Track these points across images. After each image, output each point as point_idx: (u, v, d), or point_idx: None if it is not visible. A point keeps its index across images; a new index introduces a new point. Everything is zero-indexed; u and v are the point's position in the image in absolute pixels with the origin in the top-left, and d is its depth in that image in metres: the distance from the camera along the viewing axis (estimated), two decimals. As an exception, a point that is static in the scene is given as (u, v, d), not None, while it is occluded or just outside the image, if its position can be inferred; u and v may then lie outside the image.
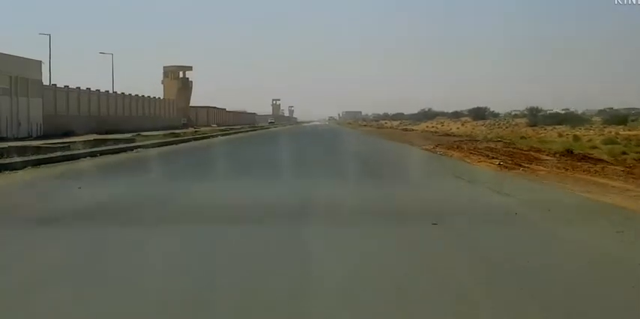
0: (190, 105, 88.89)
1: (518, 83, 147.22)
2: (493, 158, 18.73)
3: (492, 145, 26.39)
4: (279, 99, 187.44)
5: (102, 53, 64.10)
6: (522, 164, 16.30)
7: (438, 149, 24.00)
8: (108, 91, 57.37)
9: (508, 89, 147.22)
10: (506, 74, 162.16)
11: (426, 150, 23.98)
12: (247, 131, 58.09)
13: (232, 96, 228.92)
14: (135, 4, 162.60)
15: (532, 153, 20.85)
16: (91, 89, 53.84)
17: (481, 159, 18.56)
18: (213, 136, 39.29)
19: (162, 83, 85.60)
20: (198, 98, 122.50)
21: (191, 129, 54.92)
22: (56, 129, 44.30)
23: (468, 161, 17.86)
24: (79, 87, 51.57)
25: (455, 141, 29.67)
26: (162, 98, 75.33)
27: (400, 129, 65.02)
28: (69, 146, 20.19)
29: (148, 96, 67.77)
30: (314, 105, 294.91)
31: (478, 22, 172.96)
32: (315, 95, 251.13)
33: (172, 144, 27.47)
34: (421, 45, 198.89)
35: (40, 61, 44.90)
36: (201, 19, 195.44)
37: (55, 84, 48.23)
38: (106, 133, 42.09)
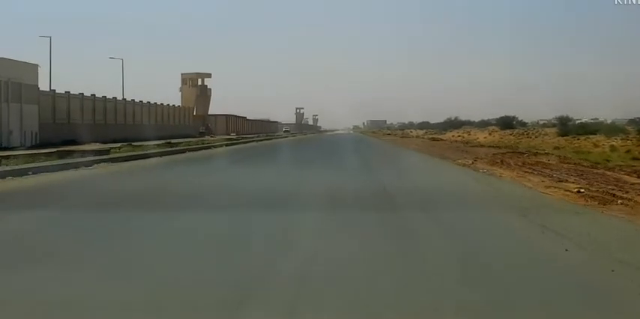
0: (210, 113, 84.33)
1: (544, 92, 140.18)
2: (560, 180, 13.43)
3: (544, 159, 21.02)
4: (302, 108, 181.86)
5: (112, 58, 59.32)
6: (613, 192, 10.98)
7: (479, 165, 18.71)
8: (116, 98, 52.77)
9: (534, 98, 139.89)
10: (532, 83, 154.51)
11: (465, 166, 18.68)
12: (260, 141, 52.54)
13: (256, 104, 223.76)
14: (155, 11, 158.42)
15: (607, 173, 15.45)
16: (97, 95, 49.27)
17: (545, 181, 13.26)
18: (215, 146, 34.16)
19: (180, 90, 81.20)
20: (220, 106, 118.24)
21: (196, 139, 50.03)
22: (55, 138, 39.79)
23: (529, 185, 12.56)
24: (83, 94, 47.01)
25: (495, 154, 24.29)
26: (177, 105, 70.75)
27: (427, 139, 59.53)
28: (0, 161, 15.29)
29: (161, 104, 63.10)
30: (338, 114, 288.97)
31: (502, 32, 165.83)
32: (340, 104, 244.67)
33: (156, 156, 22.47)
34: (447, 54, 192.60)
35: (37, 65, 40.36)
36: (226, 25, 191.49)
37: (55, 90, 43.71)
38: (113, 142, 37.60)
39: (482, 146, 36.28)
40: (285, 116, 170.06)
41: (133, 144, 29.66)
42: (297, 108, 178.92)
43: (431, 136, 68.27)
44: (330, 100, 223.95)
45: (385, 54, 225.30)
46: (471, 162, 20.04)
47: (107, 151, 21.55)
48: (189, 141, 37.22)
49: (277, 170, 18.22)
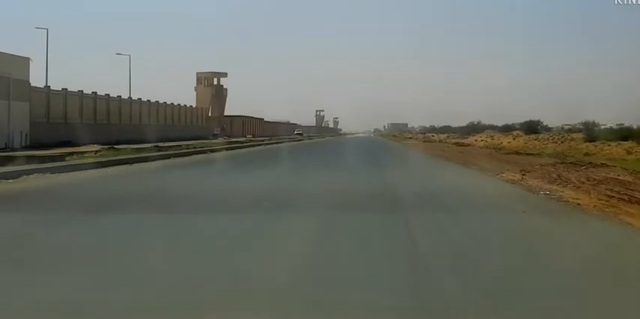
0: (226, 114, 79.97)
1: (567, 96, 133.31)
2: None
3: (611, 174, 15.98)
4: (322, 110, 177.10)
5: (119, 54, 54.90)
6: None
7: (531, 181, 13.76)
8: (120, 97, 48.41)
9: (557, 103, 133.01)
10: (556, 87, 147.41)
11: (514, 183, 13.71)
12: (267, 144, 47.15)
13: (278, 106, 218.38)
14: (172, 10, 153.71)
15: None
16: (98, 93, 44.98)
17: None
18: (212, 151, 29.34)
19: (195, 90, 76.97)
20: (241, 108, 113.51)
21: (200, 141, 45.39)
22: (49, 138, 35.59)
23: (642, 226, 7.61)
24: (82, 91, 42.72)
25: (543, 165, 19.26)
26: (189, 106, 66.33)
27: (451, 144, 54.41)
28: None
29: (172, 104, 58.70)
30: (359, 117, 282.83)
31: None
32: (361, 106, 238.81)
33: (126, 163, 17.77)
34: (468, 57, 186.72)
35: (28, 58, 36.12)
36: (249, 27, 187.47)
37: (49, 86, 39.43)
38: (116, 143, 33.34)
39: (518, 153, 31.15)
40: (305, 119, 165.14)
41: (115, 147, 25.05)
42: (317, 111, 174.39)
43: (454, 141, 63.28)
44: (351, 103, 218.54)
45: (409, 58, 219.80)
46: (519, 176, 15.08)
47: (62, 157, 16.95)
48: (189, 145, 32.51)
49: (267, 186, 13.43)
